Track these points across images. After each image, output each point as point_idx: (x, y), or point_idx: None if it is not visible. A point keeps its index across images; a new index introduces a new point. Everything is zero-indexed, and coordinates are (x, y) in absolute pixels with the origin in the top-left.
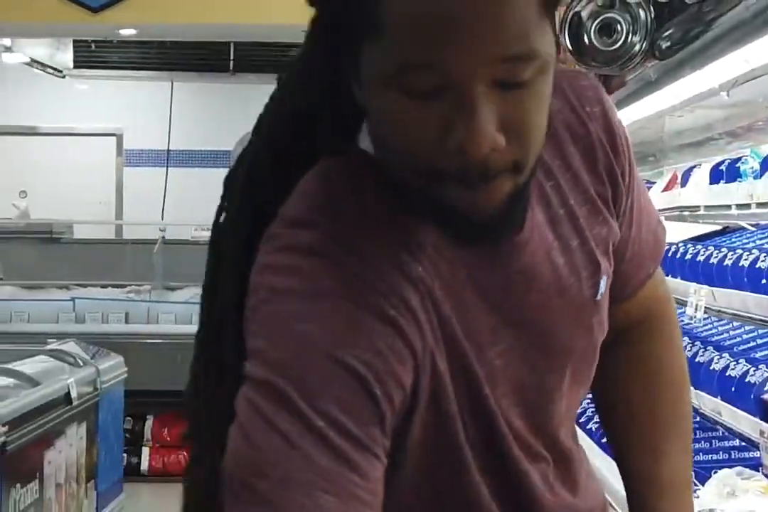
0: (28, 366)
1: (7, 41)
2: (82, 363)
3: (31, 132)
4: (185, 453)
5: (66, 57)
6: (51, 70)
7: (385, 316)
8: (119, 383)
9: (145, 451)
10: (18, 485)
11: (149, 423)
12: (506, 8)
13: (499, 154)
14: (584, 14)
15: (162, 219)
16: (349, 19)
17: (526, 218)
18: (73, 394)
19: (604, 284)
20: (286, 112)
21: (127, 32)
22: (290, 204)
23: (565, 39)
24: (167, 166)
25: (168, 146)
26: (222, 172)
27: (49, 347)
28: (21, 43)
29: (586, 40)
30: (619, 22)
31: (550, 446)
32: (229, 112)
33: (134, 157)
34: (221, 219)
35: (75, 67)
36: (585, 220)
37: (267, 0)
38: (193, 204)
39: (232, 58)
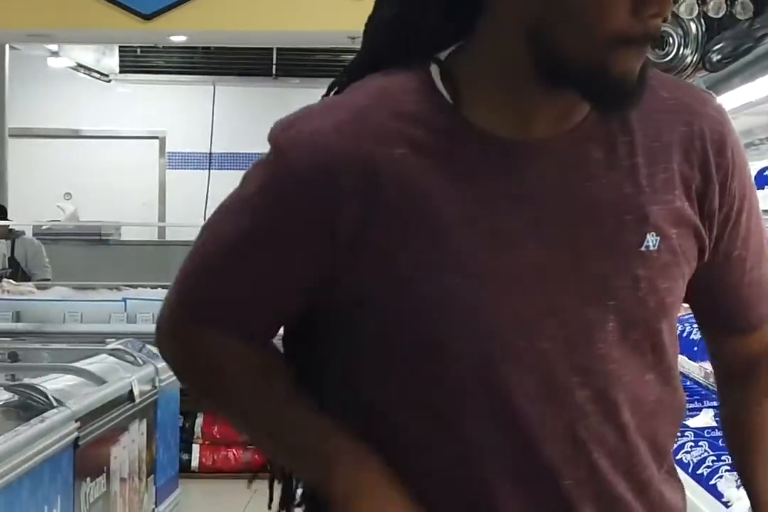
0: (93, 365)
1: (53, 46)
2: (141, 362)
3: (76, 135)
4: (234, 451)
5: (112, 62)
6: (97, 75)
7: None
8: (175, 381)
9: (195, 448)
10: (88, 479)
11: (199, 420)
12: None
13: (664, 23)
14: None
15: (204, 220)
16: None
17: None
18: (136, 392)
19: (653, 241)
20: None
21: (178, 39)
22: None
23: None
24: (209, 169)
25: (210, 149)
26: None
27: (109, 347)
28: (67, 47)
29: None
30: (671, 36)
31: (600, 408)
32: (270, 116)
33: (176, 160)
34: None
35: (121, 71)
36: (649, 181)
37: (310, 8)
38: None
39: (274, 62)
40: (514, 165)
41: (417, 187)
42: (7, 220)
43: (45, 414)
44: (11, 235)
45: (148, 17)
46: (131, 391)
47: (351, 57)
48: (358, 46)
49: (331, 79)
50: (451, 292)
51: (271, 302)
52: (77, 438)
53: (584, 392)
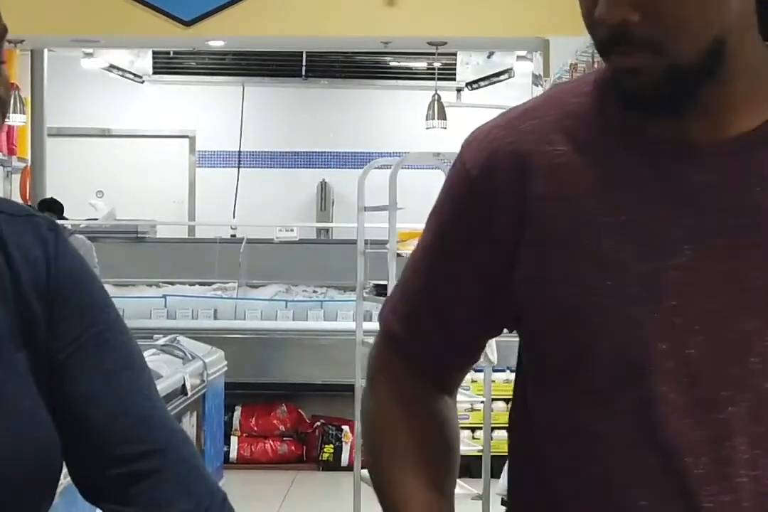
0: (147, 360)
1: (88, 48)
2: (191, 357)
3: (108, 134)
4: (271, 442)
5: (146, 63)
6: (130, 76)
7: None
8: (221, 376)
9: (234, 440)
10: None
11: (237, 413)
12: None
13: (635, 28)
14: None
15: (234, 218)
16: None
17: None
18: (188, 386)
19: None
20: None
21: (216, 44)
22: None
23: None
24: (239, 167)
25: (239, 147)
26: (292, 173)
27: (159, 342)
28: (102, 50)
29: None
30: None
31: (751, 428)
32: (299, 115)
33: (206, 158)
34: None
35: (154, 73)
36: None
37: (345, 14)
38: (263, 203)
39: (304, 64)
40: (678, 168)
41: (571, 185)
42: (63, 218)
43: None
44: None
45: (188, 23)
46: (184, 385)
47: (381, 58)
48: (390, 50)
49: (360, 80)
50: (600, 295)
51: (455, 317)
52: None
53: (734, 408)
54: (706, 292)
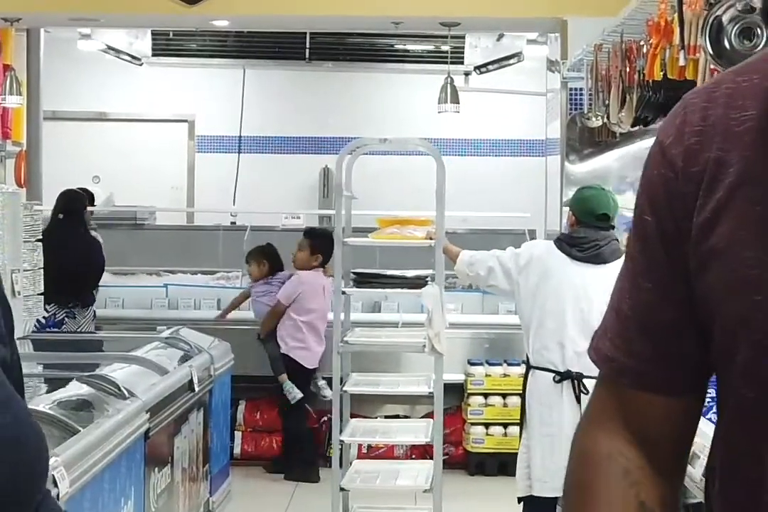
0: (152, 354)
1: (86, 29)
2: (197, 351)
3: (105, 118)
4: (276, 438)
5: (144, 45)
6: (128, 58)
7: None
8: (228, 369)
9: (238, 435)
10: (156, 469)
11: (241, 407)
12: None
13: None
14: (725, 19)
15: (234, 204)
16: None
17: None
18: (195, 381)
19: None
20: None
21: (220, 23)
22: None
23: (705, 42)
24: (239, 152)
25: (240, 132)
26: (294, 159)
27: (164, 335)
28: (99, 30)
29: (727, 43)
30: (759, 27)
31: None
32: (302, 99)
33: (206, 143)
34: None
35: (153, 55)
36: None
37: None
38: (263, 189)
39: (308, 46)
40: None
41: (750, 149)
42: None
43: (118, 406)
44: None
45: (191, 2)
46: (191, 381)
47: (387, 41)
48: (400, 31)
49: (365, 63)
50: (756, 267)
51: (661, 316)
52: (148, 430)
53: None
54: None
